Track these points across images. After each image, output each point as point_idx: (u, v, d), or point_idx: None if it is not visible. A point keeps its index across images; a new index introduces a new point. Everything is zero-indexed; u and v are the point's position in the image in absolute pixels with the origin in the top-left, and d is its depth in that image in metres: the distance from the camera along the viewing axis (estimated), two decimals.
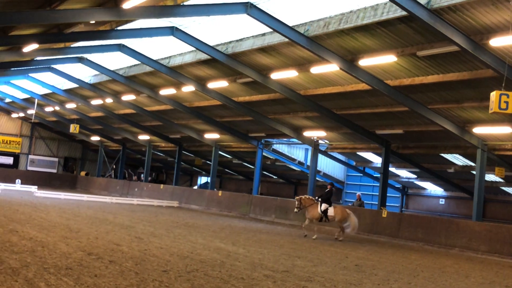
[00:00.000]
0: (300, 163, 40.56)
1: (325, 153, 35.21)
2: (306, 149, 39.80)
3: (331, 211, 21.06)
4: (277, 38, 20.99)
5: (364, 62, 19.94)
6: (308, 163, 36.88)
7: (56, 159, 56.86)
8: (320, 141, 32.09)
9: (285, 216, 28.58)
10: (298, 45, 20.06)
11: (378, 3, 17.38)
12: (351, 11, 18.23)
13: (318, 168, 34.70)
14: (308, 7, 19.16)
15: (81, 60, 30.29)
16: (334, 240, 20.81)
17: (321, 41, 19.80)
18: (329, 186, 21.87)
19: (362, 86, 22.38)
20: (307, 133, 30.65)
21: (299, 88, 25.22)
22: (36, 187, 39.24)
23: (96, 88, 35.48)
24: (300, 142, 33.14)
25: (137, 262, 11.05)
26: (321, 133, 30.10)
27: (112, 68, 31.22)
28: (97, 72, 33.07)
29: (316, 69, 21.85)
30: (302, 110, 27.95)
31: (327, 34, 19.33)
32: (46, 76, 37.08)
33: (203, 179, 55.86)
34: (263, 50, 22.40)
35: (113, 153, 54.81)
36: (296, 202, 21.61)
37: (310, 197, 21.97)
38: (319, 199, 21.36)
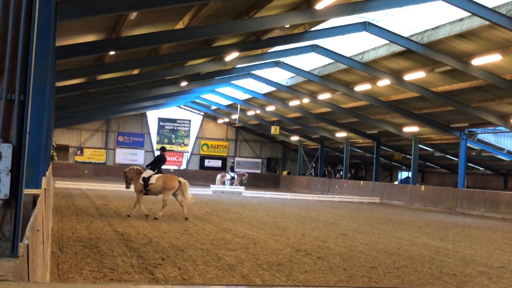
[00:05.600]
0: (509, 152, 37.75)
1: None
2: None
3: (153, 179, 17.33)
4: (476, 22, 19.84)
5: None
6: None
7: (259, 160, 59.69)
8: None
9: (496, 210, 26.86)
10: (500, 27, 18.79)
11: None
12: None
13: None
14: None
15: (277, 64, 31.49)
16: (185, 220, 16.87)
17: None
18: (160, 152, 18.74)
19: None
20: None
21: (504, 72, 23.52)
22: (244, 187, 41.31)
23: (293, 90, 36.58)
24: (508, 130, 30.87)
25: (344, 258, 11.17)
26: None
27: (307, 69, 31.97)
28: (293, 74, 34.10)
29: None
30: (509, 95, 26.02)
31: None
32: (246, 82, 39.16)
33: (403, 174, 54.63)
34: (462, 36, 21.31)
35: (312, 152, 56.03)
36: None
37: (137, 167, 18.61)
38: (149, 167, 18.11)
